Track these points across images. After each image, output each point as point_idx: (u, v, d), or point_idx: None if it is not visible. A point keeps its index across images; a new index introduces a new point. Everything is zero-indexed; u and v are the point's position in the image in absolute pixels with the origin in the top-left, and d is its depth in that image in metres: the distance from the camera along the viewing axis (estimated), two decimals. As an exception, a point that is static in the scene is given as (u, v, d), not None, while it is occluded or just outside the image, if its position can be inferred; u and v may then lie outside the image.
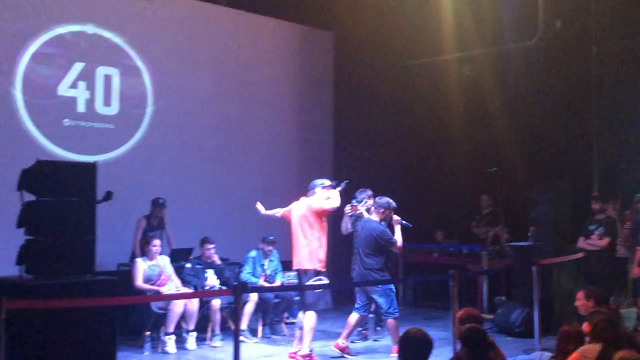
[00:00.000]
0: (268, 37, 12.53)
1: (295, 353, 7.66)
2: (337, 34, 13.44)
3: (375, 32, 12.44)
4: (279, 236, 9.31)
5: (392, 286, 8.09)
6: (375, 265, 8.00)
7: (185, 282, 8.80)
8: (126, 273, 8.78)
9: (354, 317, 8.11)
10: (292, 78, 12.83)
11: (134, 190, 10.07)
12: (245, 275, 9.16)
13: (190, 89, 11.29)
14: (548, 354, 6.59)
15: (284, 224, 8.22)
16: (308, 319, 7.62)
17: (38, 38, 9.76)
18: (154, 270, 8.51)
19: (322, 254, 7.74)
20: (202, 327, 8.67)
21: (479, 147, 11.60)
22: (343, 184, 8.08)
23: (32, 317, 5.43)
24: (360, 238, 8.17)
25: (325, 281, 7.75)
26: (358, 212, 8.55)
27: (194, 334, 8.40)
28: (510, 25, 11.09)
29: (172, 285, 8.59)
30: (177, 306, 8.20)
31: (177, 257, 9.30)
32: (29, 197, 6.13)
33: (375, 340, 8.75)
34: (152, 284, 8.43)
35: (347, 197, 8.76)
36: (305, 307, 7.72)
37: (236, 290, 5.87)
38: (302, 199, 8.02)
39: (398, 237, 7.99)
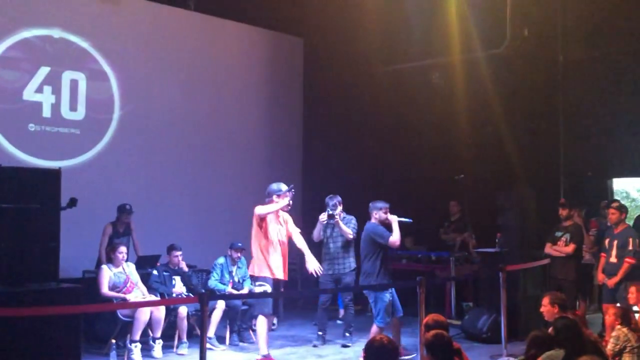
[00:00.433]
0: (237, 42, 12.52)
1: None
2: (307, 40, 13.47)
3: (344, 38, 12.49)
4: (247, 243, 9.26)
5: (385, 294, 7.79)
6: (370, 269, 7.92)
7: (151, 290, 8.72)
8: (91, 280, 8.67)
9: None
10: (262, 84, 12.82)
11: (100, 197, 9.99)
12: (213, 282, 9.10)
13: (158, 94, 11.23)
14: (514, 360, 6.63)
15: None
16: (258, 324, 7.77)
17: (3, 42, 9.66)
18: (120, 277, 8.42)
19: (261, 260, 7.69)
20: (169, 334, 8.59)
21: (447, 154, 11.66)
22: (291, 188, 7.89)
23: (-6, 325, 5.35)
24: (361, 244, 8.14)
25: (266, 287, 7.63)
26: (335, 220, 8.61)
27: (161, 341, 8.30)
28: (478, 33, 11.17)
29: (139, 292, 8.50)
30: (144, 314, 8.12)
31: (144, 264, 9.22)
32: (-9, 203, 6.03)
33: (344, 346, 8.73)
34: (118, 292, 8.34)
35: (316, 203, 8.77)
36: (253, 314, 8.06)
37: (203, 297, 5.83)
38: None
39: (394, 233, 7.84)
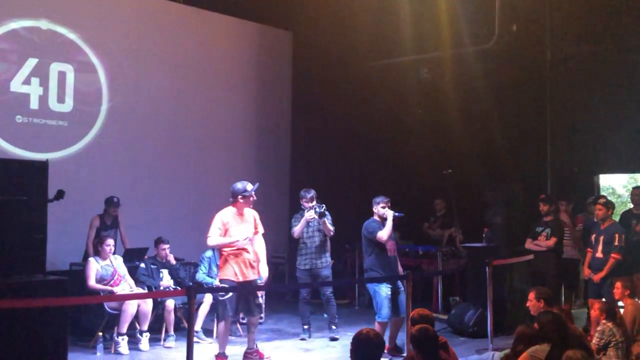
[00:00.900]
0: (226, 35, 12.49)
1: (250, 353, 7.65)
2: (296, 33, 13.46)
3: (333, 32, 12.48)
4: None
5: (381, 288, 7.82)
6: (368, 264, 8.06)
7: (139, 283, 8.71)
8: (79, 273, 8.66)
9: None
10: (250, 77, 12.81)
11: (87, 189, 9.96)
12: (201, 275, 9.09)
13: (146, 86, 11.20)
14: (499, 354, 6.66)
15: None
16: (219, 326, 7.67)
17: (-10, 33, 9.59)
18: (107, 270, 8.41)
19: (224, 262, 7.44)
20: (156, 327, 8.59)
21: (435, 149, 11.69)
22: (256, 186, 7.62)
23: (-20, 317, 5.33)
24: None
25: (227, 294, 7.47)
26: (324, 219, 8.61)
27: (148, 334, 8.31)
28: (467, 28, 11.18)
29: (126, 285, 8.50)
30: (131, 306, 8.11)
31: (132, 256, 9.21)
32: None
33: (332, 339, 8.74)
34: (106, 284, 8.33)
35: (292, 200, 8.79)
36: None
37: (190, 290, 5.84)
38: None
39: (384, 229, 7.86)
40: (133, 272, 8.80)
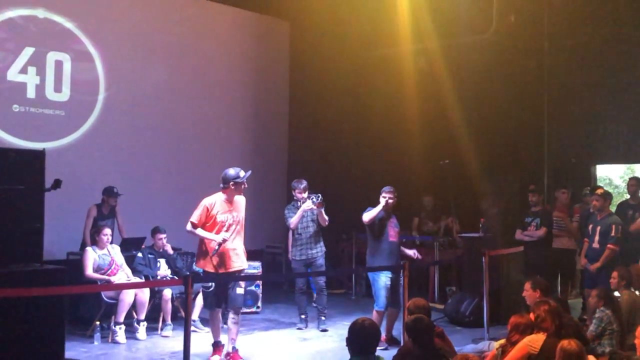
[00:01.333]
0: (223, 24, 12.46)
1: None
2: (293, 23, 13.42)
3: (330, 22, 12.46)
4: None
5: (379, 276, 7.88)
6: (368, 252, 8.19)
7: (136, 272, 8.73)
8: (76, 262, 8.66)
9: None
10: (248, 66, 12.78)
11: (84, 178, 9.96)
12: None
13: (143, 76, 11.17)
14: (495, 343, 6.69)
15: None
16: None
17: (-14, 21, 9.56)
18: (105, 259, 8.42)
19: (204, 253, 7.16)
20: (153, 317, 8.61)
21: (432, 139, 11.68)
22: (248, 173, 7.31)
23: (-23, 306, 5.34)
24: None
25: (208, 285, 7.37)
26: (322, 208, 8.56)
27: (145, 323, 8.33)
28: (465, 18, 11.17)
29: (123, 274, 8.51)
30: (128, 296, 8.13)
31: (129, 246, 9.22)
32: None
33: (323, 331, 8.75)
34: (103, 274, 8.34)
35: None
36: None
37: (187, 280, 5.85)
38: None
39: (371, 211, 7.98)
40: (130, 261, 8.81)
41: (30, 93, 9.97)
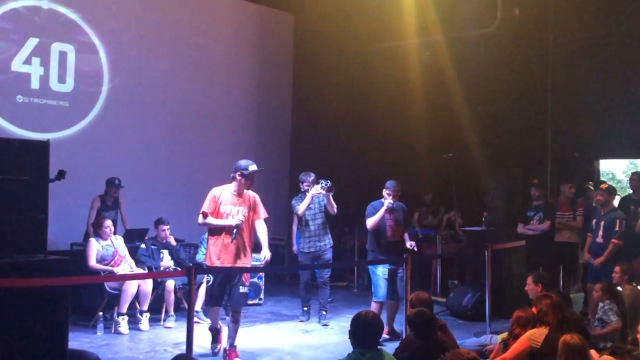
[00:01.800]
0: (227, 16, 12.44)
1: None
2: (297, 16, 13.40)
3: (335, 15, 12.43)
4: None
5: (377, 268, 7.89)
6: (368, 246, 8.19)
7: (139, 263, 8.75)
8: (79, 253, 8.69)
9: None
10: (251, 59, 12.77)
11: (88, 169, 9.97)
12: (201, 256, 9.10)
13: (147, 67, 11.17)
14: (497, 337, 6.72)
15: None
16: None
17: (-9, 12, 9.56)
18: (108, 250, 8.44)
19: (208, 246, 7.02)
20: (156, 308, 8.64)
21: (436, 132, 11.69)
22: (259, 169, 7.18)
23: (-19, 296, 5.35)
24: None
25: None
26: (331, 193, 8.47)
27: (148, 314, 8.36)
28: (469, 12, 11.15)
29: (126, 265, 8.53)
30: (131, 286, 8.15)
31: (132, 237, 9.24)
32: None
33: (324, 325, 8.76)
34: (106, 264, 8.36)
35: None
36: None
37: (191, 271, 5.86)
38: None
39: (373, 217, 7.94)
40: (133, 252, 8.83)
41: (35, 84, 9.98)
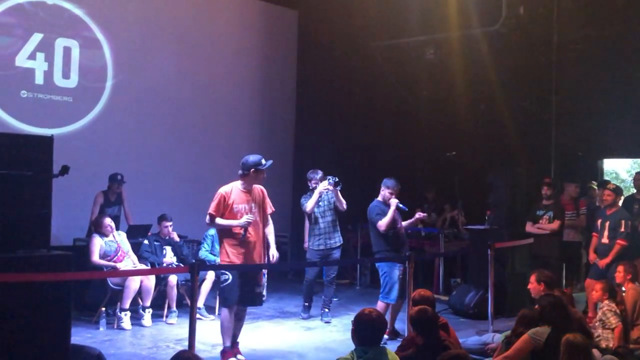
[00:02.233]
0: (231, 12, 12.44)
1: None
2: (302, 12, 13.39)
3: (339, 12, 12.41)
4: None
5: (394, 270, 7.74)
6: (374, 247, 8.03)
7: (142, 259, 8.76)
8: (82, 248, 8.71)
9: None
10: (255, 55, 12.76)
11: (92, 165, 9.98)
12: (204, 253, 9.13)
13: (151, 63, 11.18)
14: (500, 335, 6.71)
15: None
16: (222, 315, 6.92)
17: (-4, 7, 9.56)
18: (111, 246, 8.45)
19: (223, 246, 6.77)
20: (159, 304, 8.65)
21: (440, 130, 11.68)
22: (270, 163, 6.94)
23: (-16, 291, 5.36)
24: None
25: (227, 277, 6.67)
26: (337, 188, 8.41)
27: (150, 310, 8.37)
28: (474, 9, 11.12)
29: (129, 261, 8.54)
30: (134, 282, 8.17)
31: (135, 233, 9.24)
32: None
33: (327, 323, 8.76)
34: (109, 260, 8.37)
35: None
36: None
37: (193, 267, 5.87)
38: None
39: (385, 217, 7.75)
40: (136, 248, 8.84)
41: (39, 79, 9.99)
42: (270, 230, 7.00)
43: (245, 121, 12.55)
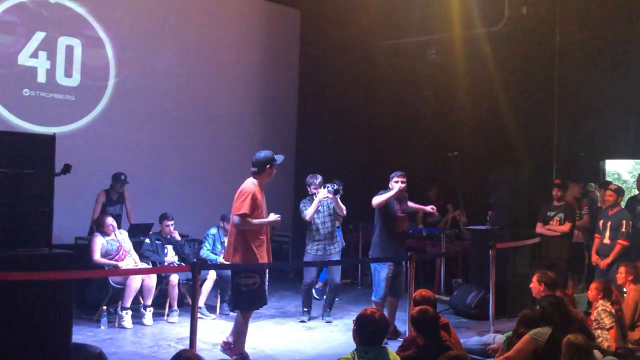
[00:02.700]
0: (234, 12, 12.44)
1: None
2: (304, 12, 13.38)
3: (342, 11, 12.40)
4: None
5: (383, 268, 7.80)
6: (373, 240, 8.10)
7: (143, 258, 8.76)
8: (84, 247, 8.70)
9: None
10: (258, 55, 12.76)
11: (94, 164, 9.98)
12: (205, 252, 9.13)
13: (153, 62, 11.18)
14: (501, 336, 6.71)
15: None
16: (237, 321, 6.81)
17: (-1, 5, 9.56)
18: (113, 244, 8.45)
19: (248, 248, 6.61)
20: (160, 302, 8.66)
21: (441, 130, 11.67)
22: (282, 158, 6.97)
23: (-15, 289, 5.36)
24: None
25: (256, 279, 6.55)
26: (337, 196, 8.40)
27: (151, 309, 8.37)
28: (476, 10, 11.12)
29: (131, 260, 8.54)
30: (135, 281, 8.17)
31: (137, 232, 9.24)
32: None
33: (328, 322, 8.75)
34: (111, 259, 8.37)
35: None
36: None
37: (195, 266, 5.87)
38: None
39: (379, 196, 7.83)
40: (138, 247, 8.84)
41: (41, 77, 9.99)
42: None
43: (247, 120, 12.55)
